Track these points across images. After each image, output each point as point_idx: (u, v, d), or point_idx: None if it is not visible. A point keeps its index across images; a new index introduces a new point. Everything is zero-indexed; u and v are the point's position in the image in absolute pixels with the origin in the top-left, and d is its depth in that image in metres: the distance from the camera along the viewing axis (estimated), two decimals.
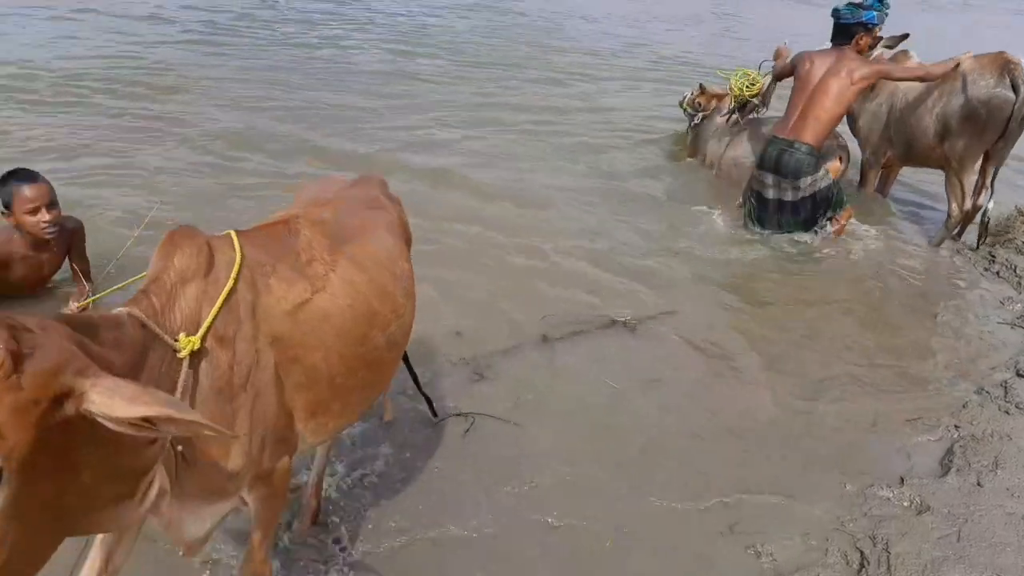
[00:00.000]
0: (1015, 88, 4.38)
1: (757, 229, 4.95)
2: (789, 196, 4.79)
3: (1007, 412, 3.20)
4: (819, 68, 4.65)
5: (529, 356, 3.48)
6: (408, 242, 2.25)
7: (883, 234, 5.16)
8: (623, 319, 3.81)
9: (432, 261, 4.17)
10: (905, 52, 5.01)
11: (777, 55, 5.34)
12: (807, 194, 4.77)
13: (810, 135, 4.63)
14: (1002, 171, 6.16)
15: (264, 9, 10.52)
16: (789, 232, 4.90)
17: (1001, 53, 4.54)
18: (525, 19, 11.27)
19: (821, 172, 4.76)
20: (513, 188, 5.42)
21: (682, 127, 6.66)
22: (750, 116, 5.77)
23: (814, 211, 4.83)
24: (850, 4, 4.64)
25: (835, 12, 4.72)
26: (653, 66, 9.27)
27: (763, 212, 4.93)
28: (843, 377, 3.49)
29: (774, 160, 4.75)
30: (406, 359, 2.53)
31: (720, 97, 6.12)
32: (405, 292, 2.03)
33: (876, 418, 3.17)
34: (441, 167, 5.67)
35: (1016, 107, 4.40)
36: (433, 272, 4.05)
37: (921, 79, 4.65)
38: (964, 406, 3.27)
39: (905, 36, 5.08)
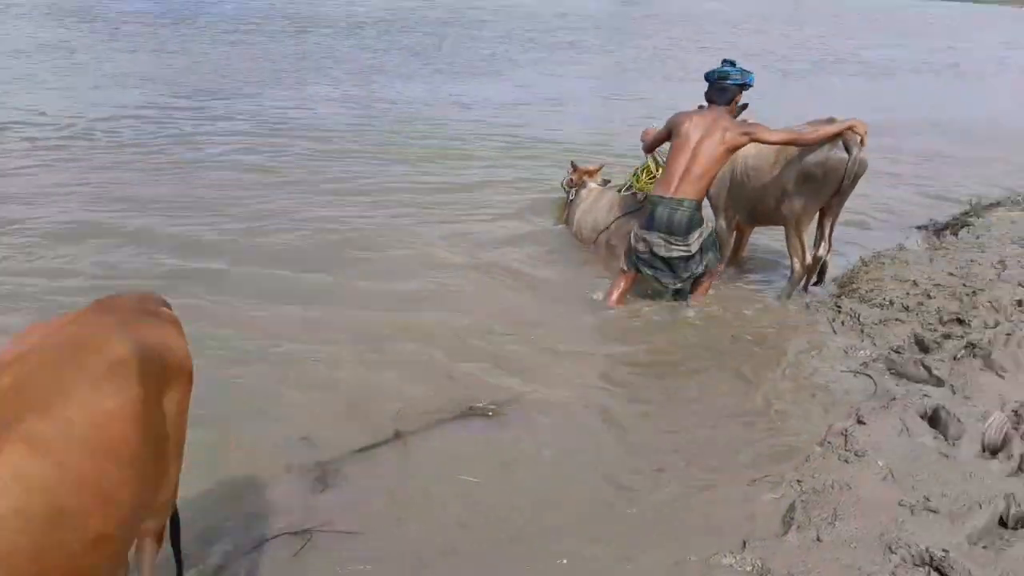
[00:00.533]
0: (848, 150, 4.75)
1: (660, 280, 5.05)
2: (679, 253, 4.92)
3: (847, 461, 3.34)
4: (696, 129, 4.82)
5: (381, 456, 3.43)
6: (169, 377, 1.83)
7: (739, 294, 5.43)
8: (482, 406, 3.82)
9: (278, 358, 4.16)
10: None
11: (646, 136, 5.56)
12: (697, 248, 4.95)
13: (693, 192, 4.84)
14: (847, 226, 6.69)
15: (125, 109, 10.33)
16: (683, 283, 5.04)
17: (832, 120, 4.87)
18: (396, 107, 11.46)
19: (705, 224, 5.03)
20: (369, 269, 5.47)
21: (542, 198, 7.11)
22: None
23: (701, 259, 5.00)
24: (732, 64, 4.95)
25: (721, 73, 4.96)
26: (519, 145, 9.55)
27: (661, 269, 5.02)
28: (695, 441, 3.60)
29: (666, 220, 4.87)
30: (175, 533, 2.17)
31: (590, 173, 6.50)
32: (129, 460, 1.60)
33: (723, 481, 3.25)
34: (292, 248, 5.74)
35: (848, 167, 4.77)
36: (280, 369, 4.04)
37: (794, 143, 4.85)
38: (807, 459, 3.39)
39: (744, 106, 5.35)
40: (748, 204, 5.35)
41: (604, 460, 3.48)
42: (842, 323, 4.95)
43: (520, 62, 18.38)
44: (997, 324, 4.62)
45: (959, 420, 3.59)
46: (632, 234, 5.11)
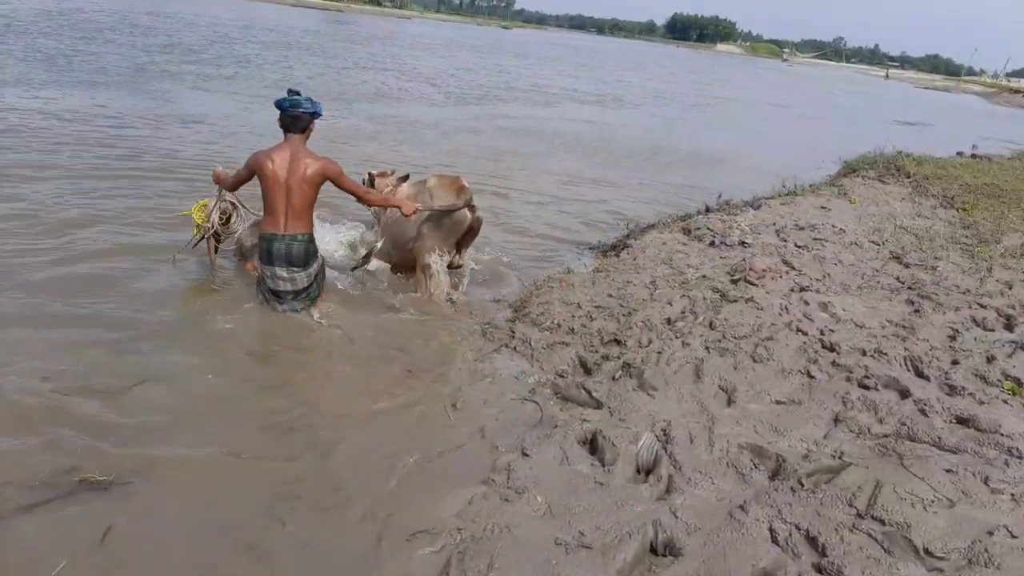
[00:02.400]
0: (470, 208, 5.64)
1: (280, 308, 5.21)
2: (303, 283, 5.17)
3: (507, 499, 3.24)
4: (281, 167, 4.95)
5: None
6: None
7: (416, 327, 5.29)
8: (92, 477, 3.19)
9: None
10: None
11: (217, 178, 5.62)
12: (313, 278, 5.23)
13: (302, 226, 5.08)
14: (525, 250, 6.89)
15: None
16: (303, 309, 5.23)
17: (457, 178, 5.76)
18: None
19: (319, 257, 5.32)
20: None
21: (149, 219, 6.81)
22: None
23: (316, 288, 5.33)
24: (307, 98, 5.06)
25: (293, 102, 4.98)
26: (119, 159, 8.72)
27: (283, 302, 5.19)
28: (360, 496, 3.30)
29: (284, 254, 5.06)
30: None
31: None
32: None
33: (382, 539, 2.99)
34: None
35: (471, 221, 5.71)
36: None
37: (359, 197, 5.27)
38: (470, 502, 3.25)
39: (407, 177, 6.30)
40: (398, 248, 5.92)
41: (240, 524, 3.05)
42: (515, 349, 4.98)
43: (174, 74, 17.14)
44: (650, 343, 4.92)
45: (614, 444, 3.68)
46: (260, 269, 5.22)
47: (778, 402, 4.24)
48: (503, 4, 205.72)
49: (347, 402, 4.18)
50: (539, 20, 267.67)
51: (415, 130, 13.72)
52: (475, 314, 5.64)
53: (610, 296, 5.71)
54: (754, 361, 4.66)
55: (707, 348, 4.85)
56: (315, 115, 5.09)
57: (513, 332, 5.21)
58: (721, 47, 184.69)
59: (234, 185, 5.43)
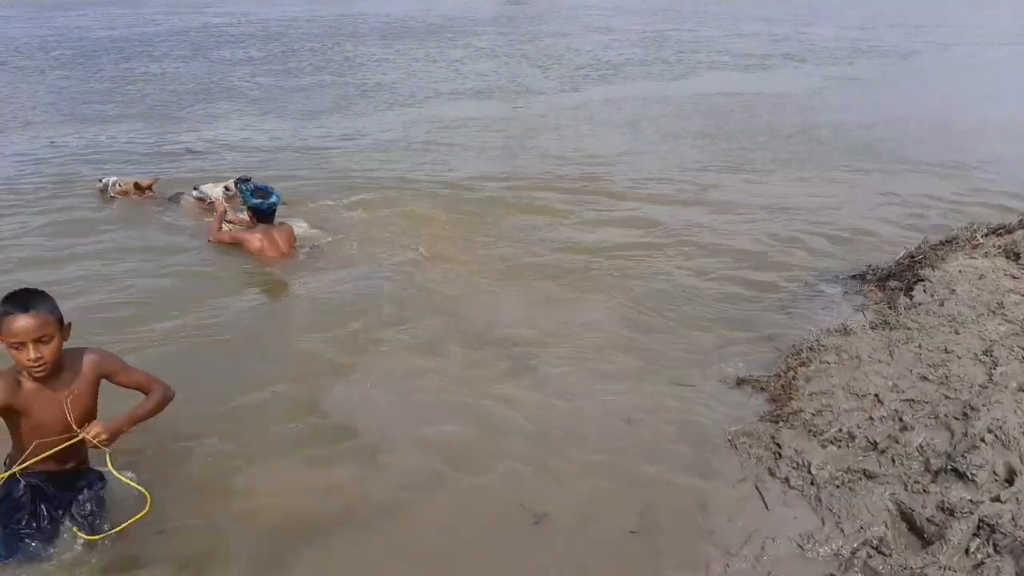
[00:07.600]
0: None
1: None
2: None
3: None
4: (269, 246, 6.34)
5: None
6: None
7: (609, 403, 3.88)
8: None
9: None
10: None
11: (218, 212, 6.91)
12: None
13: None
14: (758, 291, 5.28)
15: None
16: None
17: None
18: None
19: None
20: None
21: None
22: None
23: None
24: (277, 195, 6.52)
25: (270, 207, 6.40)
26: None
27: None
28: None
29: None
30: None
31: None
32: None
33: None
34: None
35: None
36: None
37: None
38: None
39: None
40: None
41: None
42: (786, 481, 3.44)
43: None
44: (1013, 477, 3.19)
45: None
46: None
47: None
48: None
49: None
50: None
51: (465, 131, 11.66)
52: (714, 404, 4.14)
53: (925, 379, 3.96)
54: None
55: None
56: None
57: (779, 446, 3.66)
58: None
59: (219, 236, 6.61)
